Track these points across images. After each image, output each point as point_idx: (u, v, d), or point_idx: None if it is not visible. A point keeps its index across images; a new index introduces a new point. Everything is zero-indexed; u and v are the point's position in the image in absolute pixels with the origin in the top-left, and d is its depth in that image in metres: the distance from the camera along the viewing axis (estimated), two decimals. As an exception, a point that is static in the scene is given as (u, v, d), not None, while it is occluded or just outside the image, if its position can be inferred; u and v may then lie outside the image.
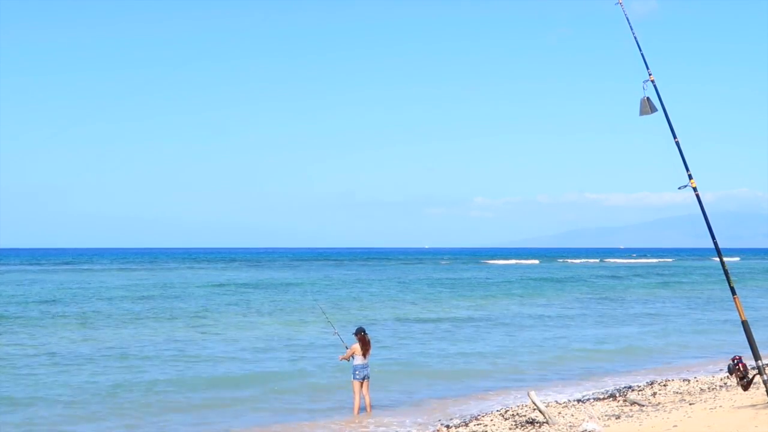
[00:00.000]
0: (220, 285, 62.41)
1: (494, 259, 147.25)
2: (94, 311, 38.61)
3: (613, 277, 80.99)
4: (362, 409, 16.86)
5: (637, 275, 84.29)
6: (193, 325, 33.16)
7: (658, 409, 14.90)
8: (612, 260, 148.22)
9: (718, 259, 11.52)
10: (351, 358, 16.94)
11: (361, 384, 16.86)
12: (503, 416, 15.57)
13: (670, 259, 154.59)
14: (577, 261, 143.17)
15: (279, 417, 16.75)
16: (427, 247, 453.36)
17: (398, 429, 15.53)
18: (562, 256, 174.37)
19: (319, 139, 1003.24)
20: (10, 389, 19.20)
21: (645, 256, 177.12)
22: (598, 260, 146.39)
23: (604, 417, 14.57)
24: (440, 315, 38.10)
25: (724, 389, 17.27)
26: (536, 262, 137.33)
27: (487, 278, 76.17)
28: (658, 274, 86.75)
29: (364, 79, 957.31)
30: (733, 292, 11.40)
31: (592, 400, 17.00)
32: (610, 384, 19.93)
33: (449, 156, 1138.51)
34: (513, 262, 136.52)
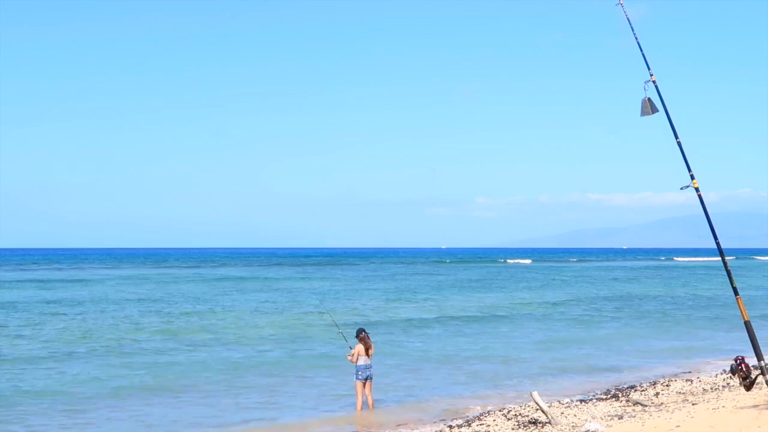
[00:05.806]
0: (221, 285, 62.44)
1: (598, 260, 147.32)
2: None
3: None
4: (365, 409, 16.86)
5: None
6: (193, 324, 33.20)
7: (661, 410, 14.89)
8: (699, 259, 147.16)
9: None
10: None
11: (364, 384, 16.86)
12: (506, 416, 15.56)
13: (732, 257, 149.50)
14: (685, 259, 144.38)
15: (280, 416, 16.75)
16: (444, 247, 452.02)
17: (400, 429, 15.52)
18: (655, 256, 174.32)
19: (321, 139, 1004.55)
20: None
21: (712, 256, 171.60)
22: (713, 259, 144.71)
23: (606, 417, 14.57)
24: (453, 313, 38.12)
25: (726, 389, 17.26)
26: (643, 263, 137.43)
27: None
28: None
29: (365, 79, 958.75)
30: (736, 293, 11.38)
31: (594, 401, 16.98)
32: (613, 384, 19.90)
33: (451, 156, 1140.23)
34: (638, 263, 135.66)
